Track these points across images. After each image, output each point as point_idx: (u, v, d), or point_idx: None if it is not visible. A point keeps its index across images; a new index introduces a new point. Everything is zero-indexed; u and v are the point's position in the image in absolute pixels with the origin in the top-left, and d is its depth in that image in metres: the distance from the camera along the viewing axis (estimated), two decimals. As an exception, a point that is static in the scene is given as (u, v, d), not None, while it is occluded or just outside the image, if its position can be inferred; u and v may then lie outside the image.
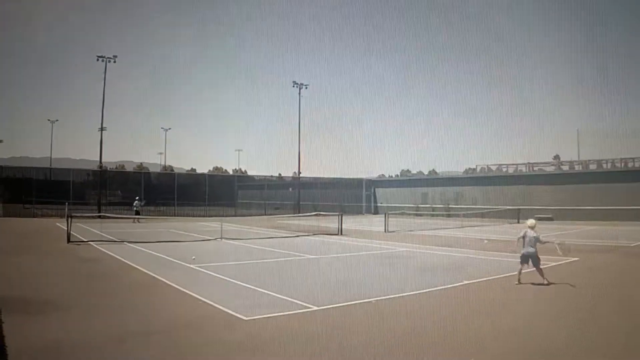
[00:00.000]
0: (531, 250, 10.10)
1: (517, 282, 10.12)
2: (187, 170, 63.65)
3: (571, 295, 9.40)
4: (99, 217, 26.61)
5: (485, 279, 11.09)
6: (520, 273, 10.24)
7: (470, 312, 8.17)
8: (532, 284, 10.13)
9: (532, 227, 10.31)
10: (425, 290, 9.78)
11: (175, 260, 13.53)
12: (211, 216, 34.22)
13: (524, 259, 10.21)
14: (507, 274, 11.46)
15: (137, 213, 30.66)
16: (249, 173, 60.55)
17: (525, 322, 7.52)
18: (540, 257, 10.36)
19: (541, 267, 10.23)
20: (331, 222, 24.58)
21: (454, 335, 6.77)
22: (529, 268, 10.21)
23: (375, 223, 28.13)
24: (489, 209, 34.14)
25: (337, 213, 25.35)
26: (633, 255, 15.88)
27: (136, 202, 31.90)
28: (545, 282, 9.99)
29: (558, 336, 6.69)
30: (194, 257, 13.54)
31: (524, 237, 10.26)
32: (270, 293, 9.25)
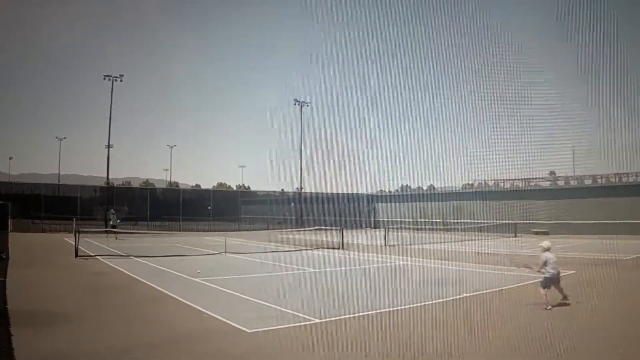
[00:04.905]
0: (556, 271, 9.68)
1: (549, 307, 9.37)
2: (192, 186, 64.09)
3: (569, 308, 9.43)
4: (106, 232, 27.00)
5: (484, 291, 11.25)
6: (547, 296, 9.56)
7: (470, 325, 8.35)
8: (530, 297, 10.06)
9: (549, 249, 9.90)
10: (425, 303, 9.91)
11: (180, 274, 13.87)
12: (215, 231, 34.56)
13: (552, 281, 9.68)
14: (505, 287, 11.77)
15: (114, 227, 28.02)
16: (252, 189, 60.91)
17: (524, 334, 7.64)
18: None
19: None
20: (332, 236, 24.77)
21: (453, 347, 6.94)
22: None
23: (375, 237, 28.31)
24: (486, 223, 34.48)
25: (338, 227, 25.61)
26: (629, 268, 16.10)
27: (112, 215, 29.33)
28: (568, 299, 9.61)
29: (556, 347, 6.80)
30: (198, 271, 13.88)
31: (546, 262, 9.72)
32: (272, 306, 9.48)
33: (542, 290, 9.64)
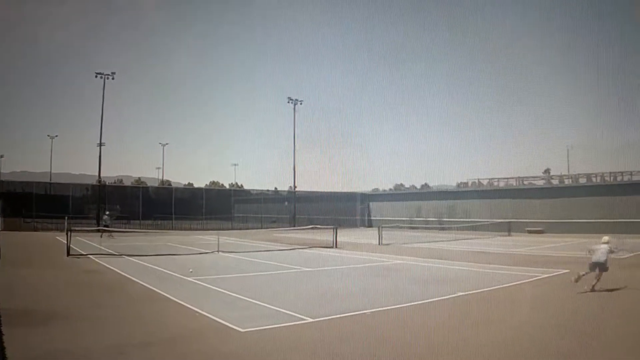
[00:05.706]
0: (603, 259, 10.99)
1: (588, 289, 10.70)
2: (185, 185, 63.57)
3: (563, 305, 9.53)
4: (98, 230, 26.79)
5: (478, 290, 11.27)
6: (581, 277, 10.96)
7: (464, 324, 8.31)
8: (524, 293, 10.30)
9: (606, 242, 11.34)
10: (419, 302, 9.89)
11: (173, 273, 13.76)
12: (208, 230, 34.39)
13: (599, 266, 10.98)
14: (500, 286, 11.76)
15: (106, 226, 28.02)
16: (246, 187, 60.57)
17: (518, 333, 7.62)
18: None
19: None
20: (326, 235, 24.72)
21: (447, 346, 6.90)
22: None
23: (369, 236, 28.26)
24: (481, 222, 34.57)
25: (332, 226, 25.59)
26: (624, 266, 16.10)
27: (106, 216, 29.53)
28: (604, 288, 10.74)
29: (553, 346, 6.81)
30: (191, 270, 13.77)
31: (595, 249, 11.23)
32: (266, 305, 9.42)
33: (589, 272, 10.96)
